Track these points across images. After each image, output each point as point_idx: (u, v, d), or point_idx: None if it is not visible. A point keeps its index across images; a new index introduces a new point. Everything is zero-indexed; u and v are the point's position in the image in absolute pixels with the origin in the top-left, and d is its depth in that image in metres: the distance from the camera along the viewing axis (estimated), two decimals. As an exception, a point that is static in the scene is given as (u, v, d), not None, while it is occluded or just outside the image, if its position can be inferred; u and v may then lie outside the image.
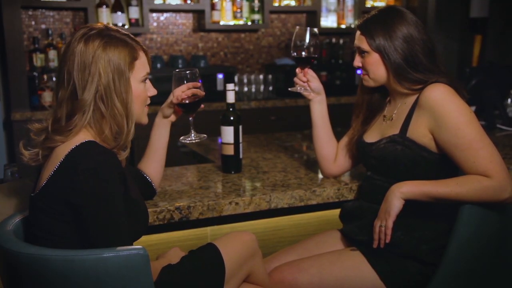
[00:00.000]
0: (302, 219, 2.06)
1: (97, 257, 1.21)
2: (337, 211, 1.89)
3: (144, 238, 1.48)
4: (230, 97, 2.00)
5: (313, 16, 4.57)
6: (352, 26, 4.68)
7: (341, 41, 4.60)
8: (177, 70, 1.69)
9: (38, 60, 3.85)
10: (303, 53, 1.85)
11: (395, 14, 1.68)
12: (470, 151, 1.54)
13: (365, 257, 1.67)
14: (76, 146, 1.29)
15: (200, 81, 1.69)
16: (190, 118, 1.76)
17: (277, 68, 4.42)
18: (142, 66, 1.41)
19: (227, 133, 1.99)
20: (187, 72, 1.68)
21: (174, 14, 4.32)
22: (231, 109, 2.00)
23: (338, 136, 1.96)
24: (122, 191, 1.30)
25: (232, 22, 4.30)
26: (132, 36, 1.42)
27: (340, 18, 4.69)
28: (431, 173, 1.63)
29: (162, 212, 1.66)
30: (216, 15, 4.19)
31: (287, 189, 1.84)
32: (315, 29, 1.87)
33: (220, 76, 4.04)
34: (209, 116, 2.98)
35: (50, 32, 3.88)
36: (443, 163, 1.63)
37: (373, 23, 1.69)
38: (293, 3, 4.49)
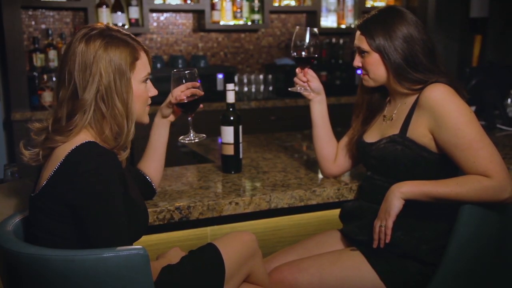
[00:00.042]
0: (302, 219, 2.06)
1: (97, 257, 1.21)
2: (337, 211, 1.89)
3: (144, 238, 1.48)
4: (230, 97, 2.00)
5: (313, 16, 4.56)
6: (352, 26, 4.68)
7: (341, 41, 4.60)
8: (175, 70, 1.69)
9: (38, 60, 3.84)
10: (303, 53, 1.85)
11: (395, 14, 1.68)
12: (470, 151, 1.54)
13: (365, 257, 1.67)
14: (76, 146, 1.29)
15: (199, 81, 1.69)
16: (189, 118, 1.76)
17: (277, 68, 4.42)
18: (143, 67, 1.41)
19: (227, 133, 1.99)
20: (186, 72, 1.68)
21: (174, 14, 4.32)
22: (231, 109, 2.00)
23: (338, 136, 1.96)
24: (122, 192, 1.30)
25: (232, 22, 4.30)
26: (133, 36, 1.41)
27: (340, 18, 4.69)
28: (431, 173, 1.63)
29: (162, 212, 1.66)
30: (216, 15, 4.19)
31: (287, 189, 1.84)
32: (315, 29, 1.87)
33: (220, 76, 4.04)
34: (209, 116, 2.99)
35: (50, 32, 3.88)
36: (443, 163, 1.63)
37: (373, 23, 1.69)
38: (293, 3, 4.49)
